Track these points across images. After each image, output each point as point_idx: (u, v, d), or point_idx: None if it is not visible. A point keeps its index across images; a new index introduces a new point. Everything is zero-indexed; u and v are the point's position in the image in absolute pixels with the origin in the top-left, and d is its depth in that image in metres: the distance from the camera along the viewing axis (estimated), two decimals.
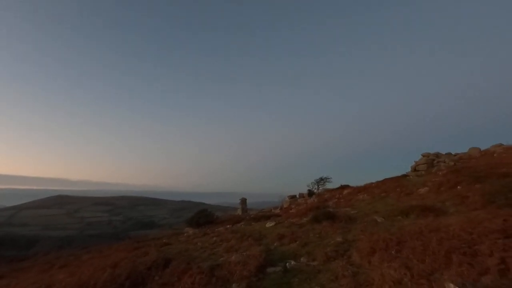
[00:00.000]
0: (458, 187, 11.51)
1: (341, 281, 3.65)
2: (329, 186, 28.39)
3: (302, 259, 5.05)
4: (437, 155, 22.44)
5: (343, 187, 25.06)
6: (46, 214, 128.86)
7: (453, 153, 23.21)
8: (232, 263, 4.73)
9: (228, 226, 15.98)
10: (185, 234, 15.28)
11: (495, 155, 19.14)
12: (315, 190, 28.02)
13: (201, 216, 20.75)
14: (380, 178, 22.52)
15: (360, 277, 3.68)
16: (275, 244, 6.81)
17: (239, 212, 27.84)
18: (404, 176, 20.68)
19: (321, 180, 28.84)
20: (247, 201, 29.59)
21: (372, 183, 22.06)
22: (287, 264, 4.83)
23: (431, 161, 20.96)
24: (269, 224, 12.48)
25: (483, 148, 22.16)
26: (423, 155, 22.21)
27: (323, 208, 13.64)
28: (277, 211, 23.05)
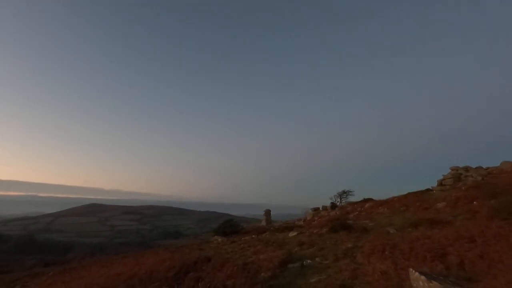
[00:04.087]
0: (474, 202, 11.95)
1: (344, 273, 4.83)
2: (352, 199, 28.64)
3: (316, 259, 6.24)
4: (466, 169, 21.79)
5: (366, 200, 25.30)
6: (80, 222, 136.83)
7: (484, 167, 22.52)
8: (260, 260, 6.02)
9: (253, 235, 17.13)
10: (215, 242, 16.72)
11: None
12: (338, 203, 28.41)
13: (227, 226, 21.94)
14: (407, 191, 22.22)
15: (359, 270, 4.85)
16: (295, 249, 8.03)
17: (263, 223, 28.70)
18: (428, 190, 20.60)
19: (344, 193, 29.19)
20: (271, 213, 30.38)
21: (394, 197, 22.10)
22: (304, 262, 6.07)
23: (458, 175, 20.60)
24: (292, 234, 13.60)
25: None
26: (451, 169, 21.81)
27: (343, 220, 14.51)
28: (301, 222, 23.75)
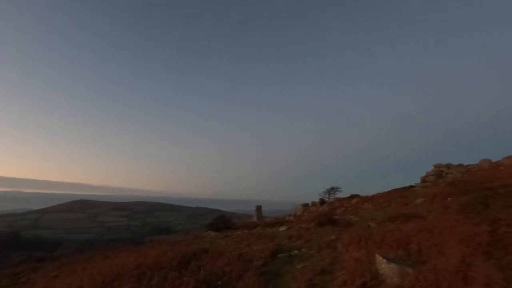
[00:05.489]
0: (448, 198, 13.03)
1: (325, 260, 5.67)
2: (340, 195, 29.76)
3: (303, 249, 7.10)
4: (448, 166, 22.85)
5: (352, 196, 26.38)
6: (68, 218, 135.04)
7: (465, 164, 23.62)
8: (253, 251, 6.79)
9: (245, 230, 17.91)
10: (208, 237, 17.42)
11: (501, 168, 19.97)
12: (326, 199, 29.48)
13: (220, 221, 22.62)
14: (392, 188, 22.98)
15: (338, 258, 5.70)
16: (285, 241, 8.90)
17: (254, 219, 29.48)
18: (411, 187, 21.67)
19: (332, 190, 30.30)
20: (262, 208, 31.17)
21: (379, 193, 23.02)
22: (292, 252, 6.93)
23: (440, 172, 21.68)
24: (282, 228, 14.47)
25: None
26: (434, 166, 22.90)
27: (330, 216, 15.46)
28: (291, 218, 24.65)
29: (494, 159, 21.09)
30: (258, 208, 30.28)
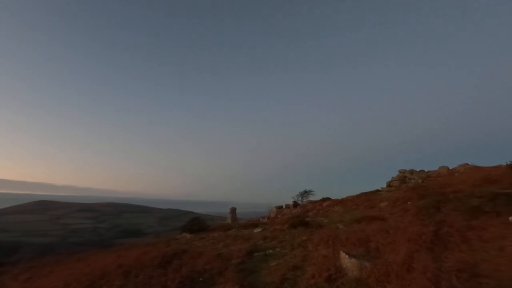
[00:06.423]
0: (408, 202, 14.36)
1: (297, 258, 6.34)
2: (312, 198, 30.94)
3: (277, 249, 7.74)
4: (411, 172, 24.75)
5: (324, 199, 27.60)
6: (27, 220, 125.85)
7: (426, 171, 25.61)
8: (231, 250, 7.28)
9: (221, 232, 18.23)
10: (183, 238, 17.54)
11: (456, 174, 22.02)
12: (300, 202, 30.52)
13: (194, 223, 22.66)
14: (361, 192, 24.38)
15: (308, 256, 6.40)
16: (260, 242, 9.48)
17: (229, 220, 29.72)
18: (378, 191, 23.22)
19: (305, 193, 31.42)
20: (237, 210, 31.47)
21: (348, 197, 24.37)
22: (267, 251, 7.55)
23: (403, 177, 23.48)
24: (257, 230, 15.03)
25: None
26: (399, 172, 24.65)
27: (302, 218, 16.30)
28: (265, 220, 25.26)
29: (451, 166, 23.36)
30: (233, 210, 30.48)
